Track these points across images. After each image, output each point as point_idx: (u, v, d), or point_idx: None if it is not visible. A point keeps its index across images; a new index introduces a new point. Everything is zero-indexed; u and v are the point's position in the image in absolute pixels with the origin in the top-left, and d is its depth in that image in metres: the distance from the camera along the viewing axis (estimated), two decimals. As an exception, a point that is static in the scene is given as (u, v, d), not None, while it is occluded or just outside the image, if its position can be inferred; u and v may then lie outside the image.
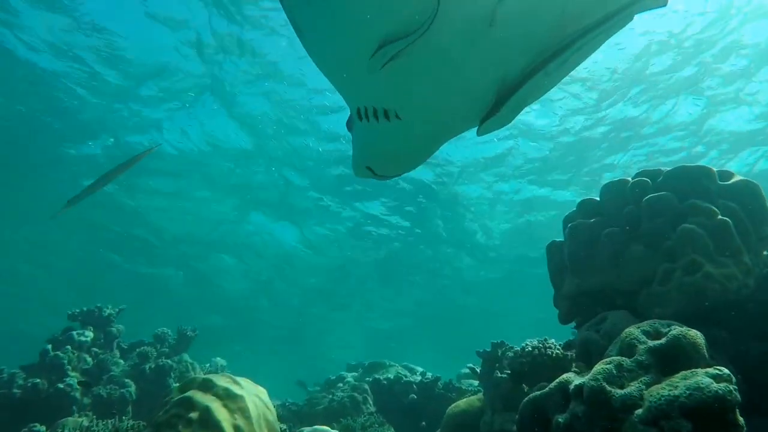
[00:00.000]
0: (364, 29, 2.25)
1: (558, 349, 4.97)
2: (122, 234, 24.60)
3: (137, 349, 11.93)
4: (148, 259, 27.37)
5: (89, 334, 11.41)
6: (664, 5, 2.51)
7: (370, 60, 2.33)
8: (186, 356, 12.65)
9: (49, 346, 10.67)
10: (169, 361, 11.59)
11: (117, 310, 12.36)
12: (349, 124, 3.05)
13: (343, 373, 15.17)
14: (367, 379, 12.96)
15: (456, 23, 2.25)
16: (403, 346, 39.05)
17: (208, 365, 14.50)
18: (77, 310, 11.88)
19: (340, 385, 13.48)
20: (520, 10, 2.26)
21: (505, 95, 2.52)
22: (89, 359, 11.11)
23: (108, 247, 25.81)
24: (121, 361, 11.73)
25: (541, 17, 2.33)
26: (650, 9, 2.49)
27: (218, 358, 15.29)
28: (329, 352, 41.93)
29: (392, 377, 11.82)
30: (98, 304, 12.06)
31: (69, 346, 10.84)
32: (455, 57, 2.39)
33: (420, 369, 14.32)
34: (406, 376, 12.21)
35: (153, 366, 11.43)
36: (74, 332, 11.22)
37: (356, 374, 15.42)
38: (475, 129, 2.79)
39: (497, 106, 2.56)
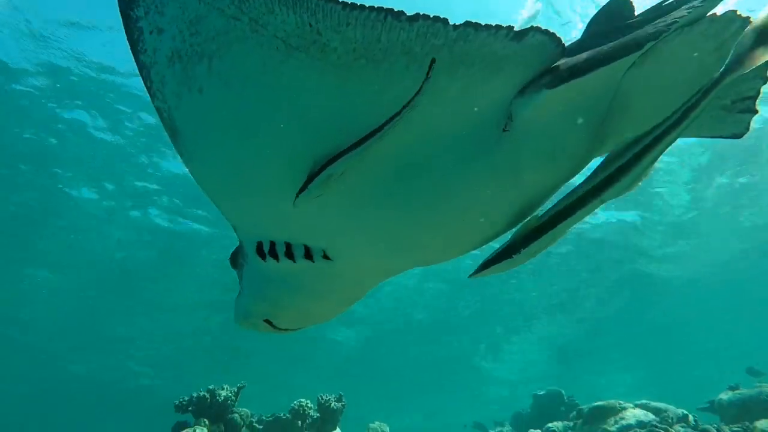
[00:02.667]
0: (295, 143, 1.66)
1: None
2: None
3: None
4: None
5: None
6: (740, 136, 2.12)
7: (301, 190, 1.73)
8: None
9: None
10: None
11: (235, 389, 9.04)
12: (236, 260, 2.37)
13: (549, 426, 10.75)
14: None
15: (449, 122, 1.66)
16: (592, 363, 33.20)
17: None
18: (184, 399, 8.66)
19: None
20: (554, 109, 1.70)
21: (522, 231, 1.89)
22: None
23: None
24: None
25: (588, 116, 1.78)
26: (725, 137, 2.15)
27: (377, 423, 11.54)
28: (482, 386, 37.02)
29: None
30: (210, 386, 8.79)
31: (179, 456, 7.53)
32: (442, 173, 1.77)
33: (672, 408, 9.59)
34: None
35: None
36: None
37: (564, 424, 10.98)
38: None
39: (514, 247, 1.85)
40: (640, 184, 1.91)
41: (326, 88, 1.53)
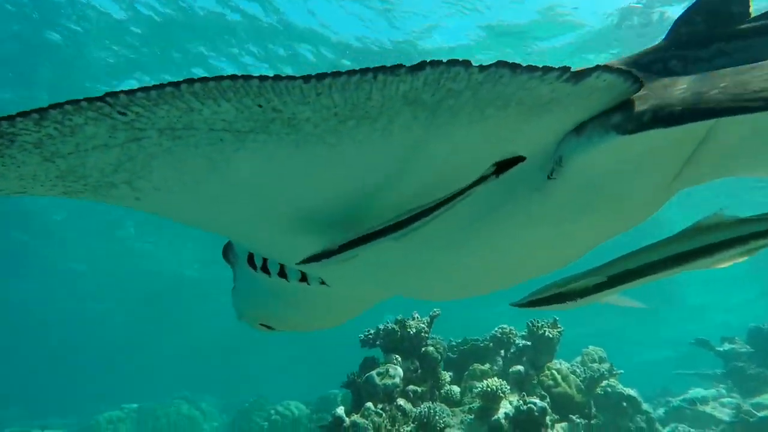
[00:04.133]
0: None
1: None
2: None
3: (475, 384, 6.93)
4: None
5: (397, 371, 6.84)
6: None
7: (311, 259, 1.56)
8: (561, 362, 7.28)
9: (341, 411, 6.33)
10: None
11: (428, 318, 7.61)
12: (228, 256, 2.24)
13: None
14: None
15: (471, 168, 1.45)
16: None
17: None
18: (370, 332, 7.45)
19: None
20: (624, 157, 1.42)
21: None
22: (411, 412, 6.48)
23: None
24: (457, 409, 6.88)
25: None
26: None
27: (590, 348, 9.60)
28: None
29: None
30: (398, 317, 7.43)
31: (370, 404, 6.37)
32: (464, 230, 1.61)
33: None
34: None
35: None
36: (374, 373, 6.75)
37: None
38: None
39: (569, 296, 1.59)
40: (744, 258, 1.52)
41: (315, 159, 1.32)
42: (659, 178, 1.52)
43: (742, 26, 1.59)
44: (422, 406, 6.49)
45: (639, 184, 1.51)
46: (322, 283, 1.89)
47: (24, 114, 1.02)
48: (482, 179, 1.39)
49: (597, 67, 1.25)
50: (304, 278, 1.91)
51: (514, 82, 1.19)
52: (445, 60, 1.12)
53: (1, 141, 1.06)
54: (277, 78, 1.08)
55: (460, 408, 6.91)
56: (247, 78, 1.07)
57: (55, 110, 1.03)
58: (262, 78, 1.07)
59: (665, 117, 1.24)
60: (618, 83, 1.28)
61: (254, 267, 1.96)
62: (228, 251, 2.20)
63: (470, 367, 7.51)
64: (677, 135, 1.32)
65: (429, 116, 1.25)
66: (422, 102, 1.21)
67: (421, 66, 1.12)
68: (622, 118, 1.31)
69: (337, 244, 1.49)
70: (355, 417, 6.21)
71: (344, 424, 6.16)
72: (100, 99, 1.03)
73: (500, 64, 1.16)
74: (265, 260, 1.94)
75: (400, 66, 1.11)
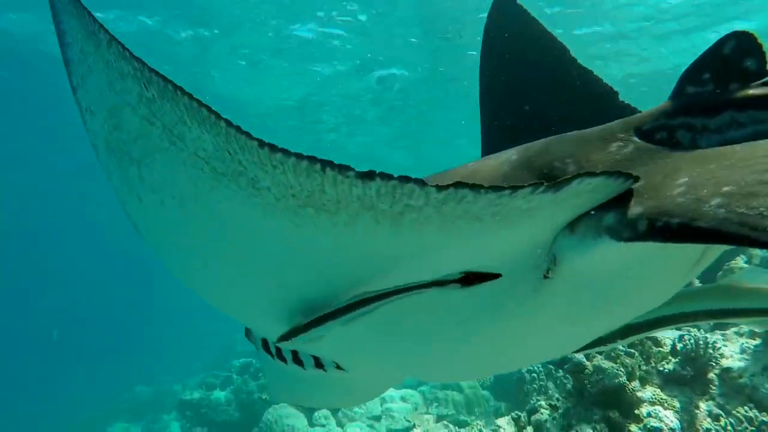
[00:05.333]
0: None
1: None
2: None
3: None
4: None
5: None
6: None
7: (287, 337, 1.54)
8: None
9: (580, 356, 5.24)
10: None
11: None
12: (249, 336, 2.01)
13: None
14: None
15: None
16: None
17: None
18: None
19: None
20: (622, 262, 1.34)
21: None
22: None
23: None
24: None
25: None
26: None
27: None
28: None
29: None
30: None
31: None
32: (459, 324, 1.49)
33: None
34: None
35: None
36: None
37: None
38: None
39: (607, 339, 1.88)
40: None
41: (278, 230, 1.26)
42: (672, 274, 1.46)
43: (758, 91, 1.39)
44: (689, 335, 5.15)
45: (648, 283, 1.45)
46: (338, 367, 1.76)
47: (105, 30, 1.14)
48: (441, 283, 1.33)
49: (579, 174, 1.18)
50: (319, 365, 1.78)
51: (481, 201, 1.14)
52: (395, 176, 1.08)
53: (95, 39, 1.18)
54: (239, 129, 1.08)
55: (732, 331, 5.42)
56: (219, 116, 1.08)
57: (117, 44, 1.13)
58: (229, 123, 1.07)
59: (661, 230, 1.14)
60: (606, 184, 1.22)
61: (270, 354, 1.85)
62: (249, 334, 2.00)
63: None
64: (682, 247, 1.23)
65: (393, 224, 1.18)
66: (381, 210, 1.15)
67: (370, 175, 1.08)
68: (616, 220, 1.23)
69: (302, 323, 1.47)
70: (599, 360, 5.11)
71: (586, 371, 5.10)
72: (140, 60, 1.11)
73: (459, 185, 1.11)
74: (277, 349, 1.80)
75: (348, 167, 1.07)
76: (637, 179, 1.23)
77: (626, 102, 2.34)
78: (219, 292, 1.61)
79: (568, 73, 2.49)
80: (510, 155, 1.66)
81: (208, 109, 1.07)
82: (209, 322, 25.61)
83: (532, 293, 1.40)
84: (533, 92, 2.59)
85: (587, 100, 2.40)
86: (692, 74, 1.51)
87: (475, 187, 1.10)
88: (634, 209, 1.20)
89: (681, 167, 1.28)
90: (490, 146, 2.64)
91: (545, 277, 1.35)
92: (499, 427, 5.93)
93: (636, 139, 1.51)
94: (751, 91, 1.40)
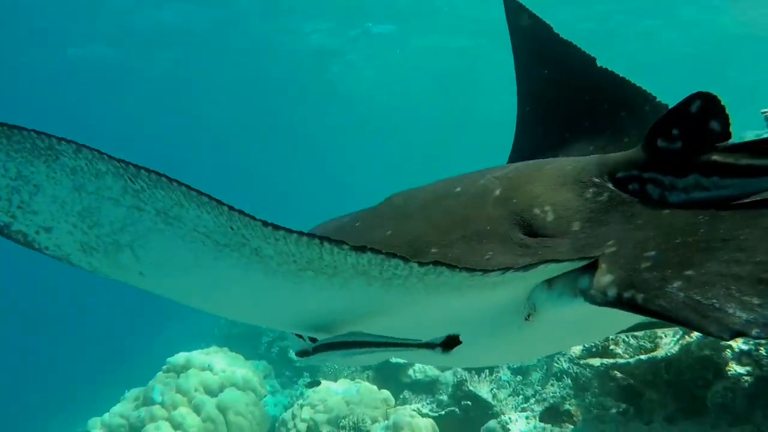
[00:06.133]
0: None
1: None
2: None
3: None
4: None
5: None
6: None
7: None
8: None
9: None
10: None
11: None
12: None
13: None
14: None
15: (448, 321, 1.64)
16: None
17: None
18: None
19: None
20: (594, 315, 1.53)
21: None
22: None
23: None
24: None
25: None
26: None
27: None
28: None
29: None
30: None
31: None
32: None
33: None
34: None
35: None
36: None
37: None
38: None
39: None
40: None
41: (280, 287, 1.46)
42: (638, 317, 1.62)
43: (721, 158, 1.48)
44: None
45: (617, 323, 1.67)
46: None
47: (67, 140, 1.17)
48: (426, 345, 1.48)
49: (545, 261, 1.35)
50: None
51: (457, 277, 1.31)
52: (383, 251, 1.24)
53: (49, 153, 1.19)
54: (242, 212, 1.19)
55: None
56: (220, 202, 1.17)
57: (88, 149, 1.17)
58: (232, 208, 1.19)
59: (628, 302, 1.27)
60: (572, 265, 1.38)
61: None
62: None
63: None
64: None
65: (383, 286, 1.36)
66: (372, 275, 1.32)
67: (362, 249, 1.24)
68: (589, 285, 1.36)
69: (311, 347, 1.64)
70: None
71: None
72: (121, 160, 1.17)
73: (437, 263, 1.27)
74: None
75: (343, 242, 1.23)
76: (598, 261, 1.37)
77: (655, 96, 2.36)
78: (238, 317, 1.95)
79: (590, 78, 2.55)
80: (494, 188, 1.77)
81: (209, 196, 1.17)
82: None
83: (516, 330, 1.60)
84: (562, 101, 2.65)
85: (617, 102, 2.45)
86: (662, 128, 1.57)
87: (450, 266, 1.27)
88: (606, 278, 1.33)
89: (650, 237, 1.39)
90: (522, 144, 2.78)
91: (527, 319, 1.55)
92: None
93: (610, 186, 1.61)
94: (714, 158, 1.48)
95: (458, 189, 1.84)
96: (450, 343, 1.46)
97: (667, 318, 1.20)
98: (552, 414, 5.61)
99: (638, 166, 1.61)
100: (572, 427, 5.34)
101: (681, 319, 1.18)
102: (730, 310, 1.13)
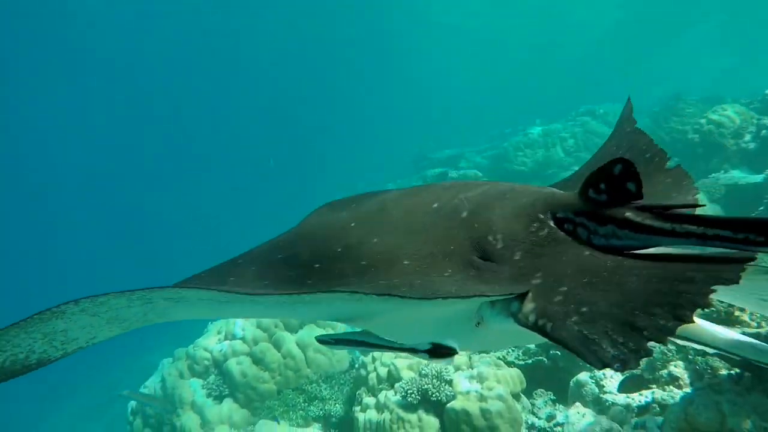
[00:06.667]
0: None
1: None
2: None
3: None
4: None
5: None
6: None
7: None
8: None
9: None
10: None
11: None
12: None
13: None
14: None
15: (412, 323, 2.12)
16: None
17: None
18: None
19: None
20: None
21: None
22: None
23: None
24: None
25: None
26: None
27: None
28: None
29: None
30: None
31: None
32: None
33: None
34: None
35: None
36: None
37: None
38: None
39: None
40: None
41: (280, 313, 2.23)
42: None
43: (632, 216, 1.71)
44: None
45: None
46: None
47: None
48: (414, 351, 1.80)
49: (481, 293, 1.64)
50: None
51: (408, 303, 1.68)
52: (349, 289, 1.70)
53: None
54: (239, 292, 1.74)
55: None
56: (219, 290, 1.71)
57: (134, 293, 1.66)
58: (228, 290, 1.73)
59: (540, 328, 1.49)
60: (505, 296, 1.65)
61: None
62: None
63: None
64: None
65: (358, 301, 1.75)
66: (343, 298, 1.73)
67: (332, 290, 1.70)
68: (518, 309, 1.59)
69: (333, 338, 2.05)
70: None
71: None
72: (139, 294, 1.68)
73: (389, 294, 1.64)
74: None
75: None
76: (527, 292, 1.60)
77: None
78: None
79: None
80: (462, 210, 2.03)
81: (207, 288, 1.68)
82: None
83: (472, 332, 1.91)
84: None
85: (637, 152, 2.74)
86: (593, 182, 1.80)
87: (402, 296, 1.61)
88: (530, 305, 1.55)
89: (568, 274, 1.61)
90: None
91: (477, 326, 1.85)
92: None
93: (551, 223, 1.85)
94: (627, 214, 1.71)
95: (436, 205, 2.09)
96: (436, 351, 1.75)
97: (564, 346, 1.39)
98: (653, 372, 5.15)
99: (573, 210, 1.85)
100: (679, 392, 4.89)
101: (572, 349, 1.37)
102: (604, 345, 1.33)
